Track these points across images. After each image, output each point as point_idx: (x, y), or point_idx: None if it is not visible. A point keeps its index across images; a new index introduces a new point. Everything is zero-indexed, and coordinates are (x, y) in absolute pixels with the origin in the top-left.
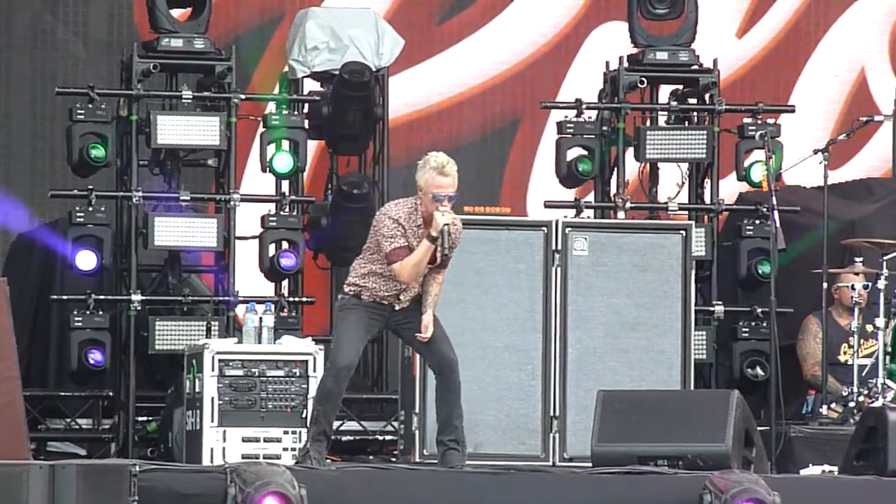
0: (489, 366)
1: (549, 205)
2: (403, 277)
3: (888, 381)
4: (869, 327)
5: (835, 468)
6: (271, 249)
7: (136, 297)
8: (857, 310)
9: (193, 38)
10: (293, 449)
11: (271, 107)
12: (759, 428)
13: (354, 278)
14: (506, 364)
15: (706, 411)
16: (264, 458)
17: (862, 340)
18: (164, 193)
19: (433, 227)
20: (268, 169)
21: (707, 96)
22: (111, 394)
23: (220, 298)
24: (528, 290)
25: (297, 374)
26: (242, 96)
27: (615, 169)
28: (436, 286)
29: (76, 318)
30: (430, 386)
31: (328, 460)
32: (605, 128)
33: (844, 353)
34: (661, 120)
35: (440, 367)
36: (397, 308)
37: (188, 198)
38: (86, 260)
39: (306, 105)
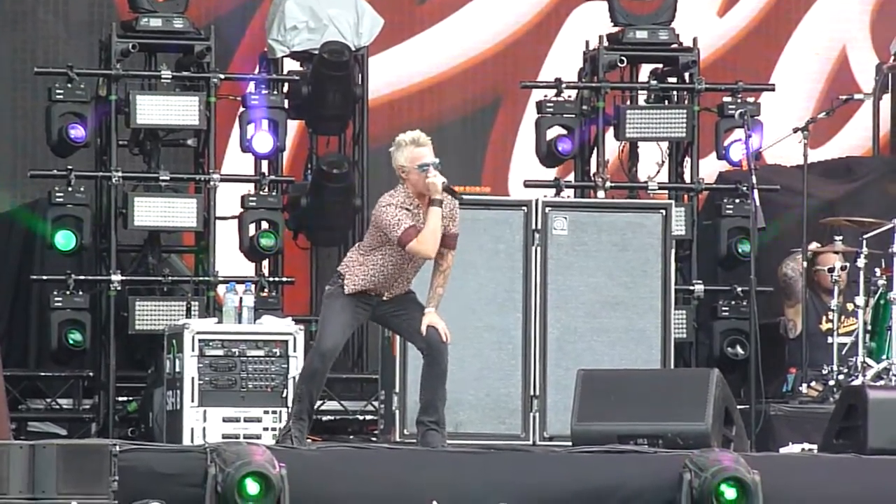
0: (469, 345)
1: (528, 184)
2: (424, 250)
3: (868, 360)
4: (849, 305)
5: (815, 446)
6: (251, 229)
7: (116, 278)
8: (836, 289)
9: (173, 17)
10: (273, 429)
11: (251, 86)
12: (738, 406)
13: (345, 269)
14: (486, 343)
15: (686, 390)
16: (245, 437)
17: (843, 318)
18: (143, 173)
19: (432, 191)
20: (247, 149)
21: (687, 75)
22: (91, 374)
23: (201, 278)
24: (508, 270)
25: (278, 353)
26: (222, 76)
27: (595, 148)
28: (442, 277)
29: (56, 299)
30: (411, 366)
31: (308, 440)
32: (584, 107)
33: (824, 323)
34: (641, 99)
35: (429, 351)
36: (385, 299)
37: (168, 178)
38: (65, 240)
39: (286, 85)
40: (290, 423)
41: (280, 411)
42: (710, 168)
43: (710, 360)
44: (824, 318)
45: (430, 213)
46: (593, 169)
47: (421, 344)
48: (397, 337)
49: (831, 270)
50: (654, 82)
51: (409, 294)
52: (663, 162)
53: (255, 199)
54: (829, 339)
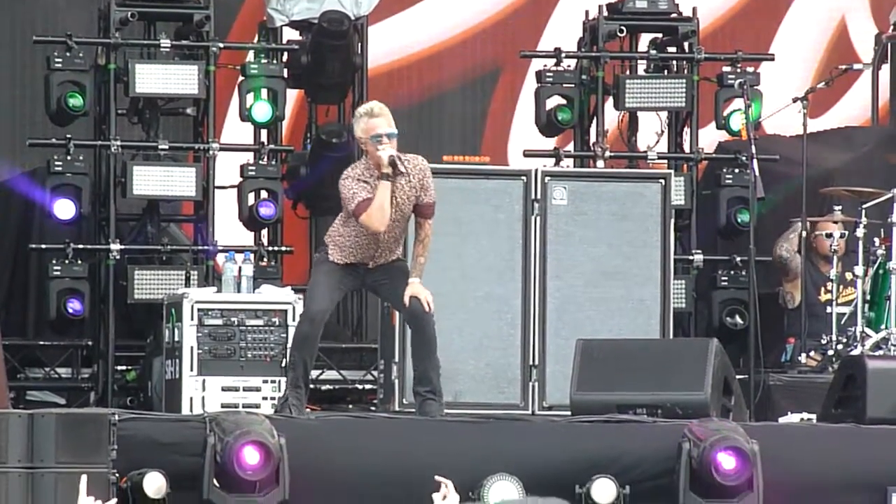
0: (468, 315)
1: (528, 154)
2: (373, 224)
3: (867, 329)
4: (848, 275)
5: (813, 416)
6: (250, 198)
7: (115, 247)
8: (835, 258)
9: None
10: (272, 398)
11: (250, 55)
12: (737, 376)
13: (328, 239)
14: (485, 313)
15: (685, 360)
16: (243, 407)
17: (841, 287)
18: (142, 142)
19: (380, 164)
20: (247, 118)
21: (686, 45)
22: (90, 343)
23: (200, 248)
24: (508, 240)
25: (277, 323)
26: (221, 45)
27: (594, 118)
28: (421, 246)
29: (55, 268)
30: (410, 336)
31: (307, 409)
32: (584, 77)
33: (823, 294)
34: (641, 69)
35: (413, 321)
36: (371, 266)
37: (167, 147)
38: (64, 209)
39: (285, 54)
40: (287, 392)
41: (279, 380)
42: (709, 138)
43: (709, 329)
44: (823, 289)
45: (378, 187)
46: (593, 139)
47: (405, 315)
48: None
49: (830, 237)
50: (653, 52)
51: (396, 263)
52: (663, 132)
53: (254, 168)
54: (829, 309)
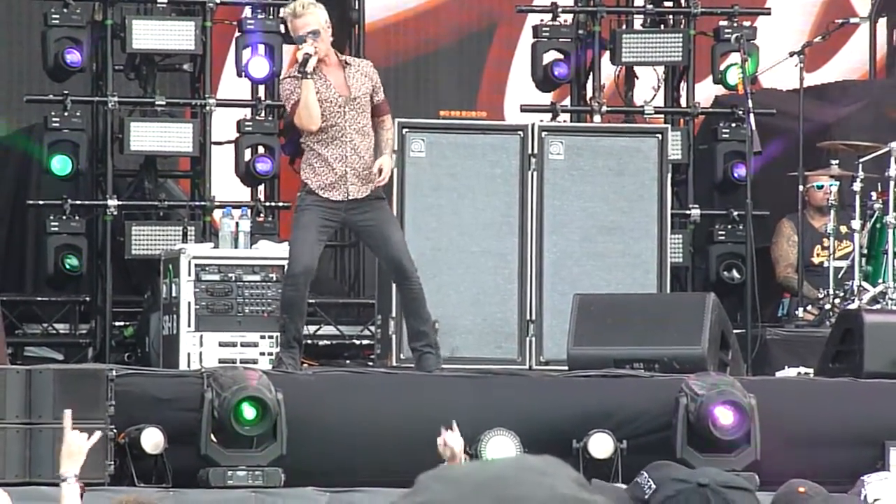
0: (466, 270)
1: (525, 109)
2: (304, 123)
3: (864, 283)
4: (843, 228)
5: (811, 370)
6: (247, 154)
7: (112, 203)
8: (832, 212)
9: None
10: (270, 353)
11: (247, 11)
12: (734, 330)
13: (302, 165)
14: (482, 268)
15: (682, 314)
16: (241, 362)
17: (837, 242)
18: (139, 98)
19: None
20: (243, 74)
21: None
22: (88, 299)
23: (197, 203)
24: (505, 195)
25: (274, 278)
26: (218, 0)
27: (591, 73)
28: (385, 132)
29: (52, 224)
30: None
31: (305, 365)
32: (580, 31)
33: (818, 255)
34: (637, 23)
35: (395, 276)
36: (351, 196)
37: (164, 103)
38: (61, 165)
39: (282, 9)
40: (280, 353)
41: (276, 336)
42: (706, 92)
43: (706, 284)
44: (818, 247)
45: (302, 87)
46: (589, 93)
47: (389, 271)
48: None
49: (821, 188)
50: (649, 6)
51: (377, 202)
52: (659, 86)
53: (250, 123)
54: (825, 264)
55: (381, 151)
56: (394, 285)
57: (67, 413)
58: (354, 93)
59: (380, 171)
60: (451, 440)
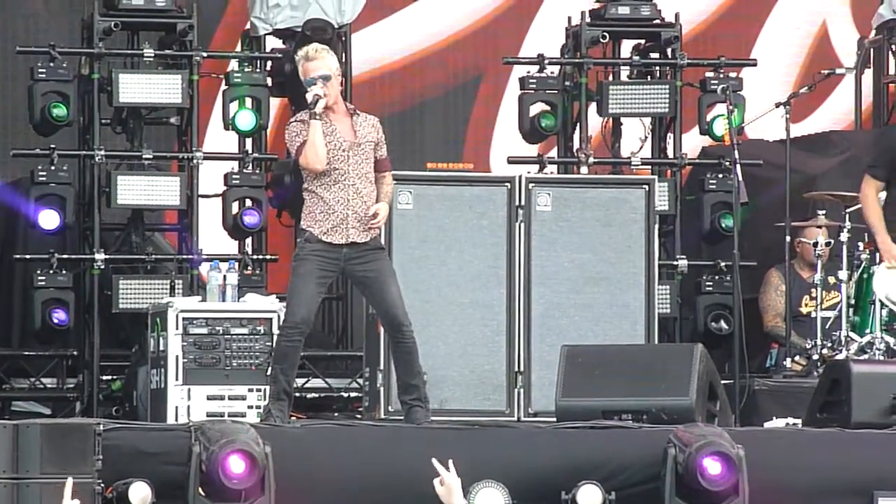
0: (454, 322)
1: (512, 160)
2: (310, 163)
3: (851, 334)
4: (831, 279)
5: (798, 421)
6: (235, 207)
7: (100, 256)
8: (819, 263)
9: None
10: (258, 407)
11: (233, 64)
12: (723, 381)
13: (304, 213)
14: (470, 320)
15: (670, 365)
16: (229, 416)
17: (824, 293)
18: (126, 152)
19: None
20: (230, 127)
21: (669, 51)
22: (75, 353)
23: (184, 257)
24: (492, 246)
25: (262, 331)
26: (204, 54)
27: (578, 124)
28: (385, 185)
29: (39, 278)
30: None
31: (293, 418)
32: (567, 83)
33: (806, 305)
34: (624, 75)
35: (389, 329)
36: (351, 240)
37: (151, 156)
38: (49, 219)
39: (269, 62)
40: (270, 404)
41: (264, 389)
42: (692, 143)
43: (694, 335)
44: (806, 297)
45: (310, 127)
46: (576, 145)
47: (383, 323)
48: None
49: (815, 245)
50: (636, 58)
51: (377, 252)
52: (646, 137)
53: (238, 176)
54: (812, 314)
55: (380, 199)
56: (385, 337)
57: (69, 482)
58: (360, 139)
59: (375, 214)
60: (449, 479)
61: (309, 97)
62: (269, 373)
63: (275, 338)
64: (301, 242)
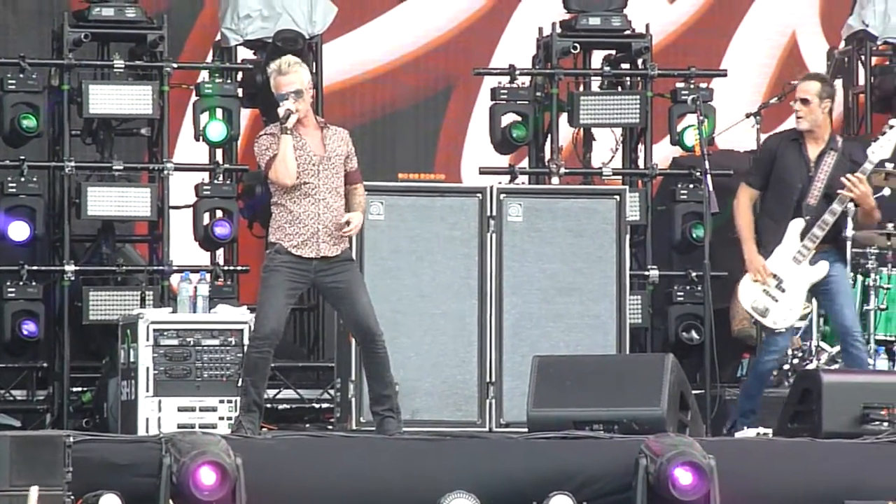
0: (425, 332)
1: (483, 171)
2: (279, 177)
3: (822, 344)
4: None
5: (769, 431)
6: (205, 218)
7: (70, 268)
8: None
9: (125, 6)
10: (229, 418)
11: (204, 75)
12: (694, 391)
13: (272, 226)
14: (442, 330)
15: (641, 375)
16: (200, 427)
17: None
18: (96, 163)
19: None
20: (201, 138)
21: (640, 61)
22: (45, 365)
23: (155, 268)
24: (464, 257)
25: (233, 342)
26: (175, 65)
27: (549, 135)
28: (357, 196)
29: (9, 289)
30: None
31: (264, 429)
32: (538, 93)
33: None
34: (595, 85)
35: (361, 339)
36: (322, 254)
37: (121, 167)
38: (18, 230)
39: (239, 73)
40: (241, 416)
41: (235, 400)
42: (663, 153)
43: (665, 345)
44: None
45: (280, 141)
46: (547, 155)
47: (355, 334)
48: None
49: None
50: (607, 68)
51: (347, 264)
52: (617, 148)
53: (209, 187)
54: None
55: (352, 209)
56: (356, 348)
57: (34, 490)
58: (329, 153)
59: (348, 223)
60: None
61: (280, 112)
62: (239, 384)
63: (246, 349)
64: (271, 254)
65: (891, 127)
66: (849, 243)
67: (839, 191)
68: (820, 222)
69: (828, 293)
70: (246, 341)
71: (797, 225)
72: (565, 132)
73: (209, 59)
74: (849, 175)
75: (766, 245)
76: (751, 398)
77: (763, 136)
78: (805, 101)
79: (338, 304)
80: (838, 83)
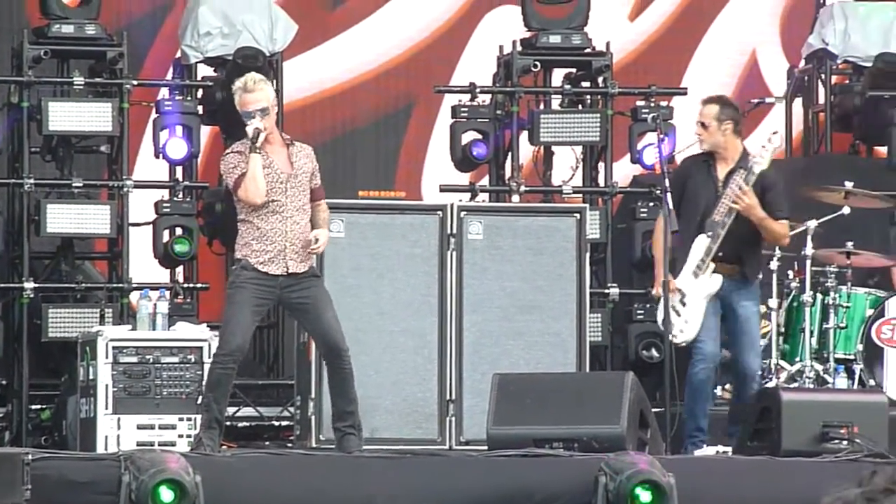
0: (385, 350)
1: (444, 189)
2: (249, 196)
3: (781, 362)
4: (762, 308)
5: (729, 449)
6: (165, 236)
7: (29, 285)
8: None
9: (84, 24)
10: (188, 436)
11: (164, 92)
12: (653, 409)
13: (238, 246)
14: (402, 348)
15: (601, 393)
16: (159, 445)
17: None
18: (56, 180)
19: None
20: (161, 155)
21: (600, 79)
22: (4, 382)
23: (114, 285)
24: (424, 275)
25: (192, 360)
26: (135, 82)
27: (509, 153)
28: (321, 212)
29: None
30: (327, 371)
31: (224, 447)
32: (499, 111)
33: None
34: (555, 103)
35: (327, 354)
36: (290, 271)
37: (81, 184)
38: None
39: (200, 90)
40: (201, 432)
41: (195, 418)
42: (623, 171)
43: (625, 363)
44: None
45: (250, 161)
46: (508, 173)
47: (321, 349)
48: (313, 342)
49: None
50: (567, 87)
51: (313, 280)
52: (577, 166)
53: (169, 205)
54: None
55: (318, 226)
56: (316, 366)
57: None
58: (296, 170)
59: (316, 239)
60: None
61: (249, 131)
62: (200, 401)
63: (205, 367)
64: (237, 270)
65: (770, 141)
66: (808, 262)
67: (724, 201)
68: (713, 234)
69: (733, 332)
70: (206, 359)
71: (701, 242)
72: (526, 150)
73: (169, 76)
74: (732, 186)
75: (678, 264)
76: (693, 416)
77: None
78: (703, 125)
79: (304, 319)
80: (798, 101)
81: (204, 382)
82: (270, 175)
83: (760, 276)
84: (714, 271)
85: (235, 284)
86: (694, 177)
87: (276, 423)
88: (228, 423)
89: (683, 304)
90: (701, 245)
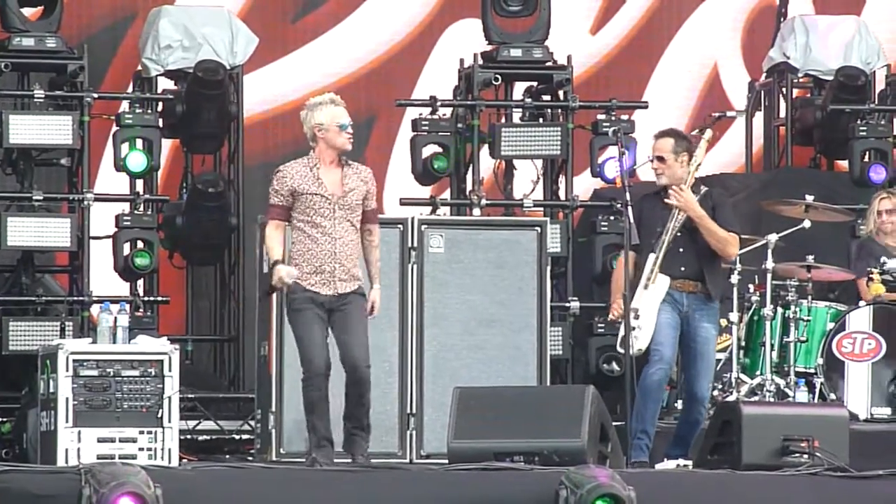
0: None
1: (404, 202)
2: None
3: (742, 376)
4: (722, 321)
5: (690, 462)
6: (126, 249)
7: None
8: None
9: (45, 36)
10: (149, 449)
11: (124, 106)
12: (614, 423)
13: (291, 249)
14: None
15: (562, 407)
16: (120, 458)
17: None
18: (16, 193)
19: (343, 148)
20: (122, 168)
21: (561, 93)
22: None
23: (75, 298)
24: (385, 288)
25: (153, 373)
26: (95, 95)
27: (470, 166)
28: (374, 250)
29: None
30: (287, 384)
31: (184, 460)
32: (460, 125)
33: None
34: (516, 117)
35: (346, 366)
36: (340, 292)
37: (41, 197)
38: None
39: (160, 103)
40: (313, 453)
41: (155, 431)
42: (584, 185)
43: (585, 376)
44: None
45: (270, 253)
46: (469, 187)
47: (341, 356)
48: (273, 355)
49: None
50: (528, 100)
51: (360, 297)
52: (538, 179)
53: (129, 218)
54: None
55: (372, 279)
56: (276, 380)
57: None
58: (346, 192)
59: (372, 306)
60: None
61: (275, 280)
62: (305, 426)
63: (166, 380)
64: (291, 295)
65: (701, 132)
66: (768, 275)
67: (665, 200)
68: (656, 241)
69: (689, 355)
70: (167, 372)
71: (651, 259)
72: (487, 163)
73: (130, 89)
74: (672, 185)
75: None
76: (641, 418)
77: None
78: (661, 159)
79: (333, 327)
80: (758, 115)
81: (303, 407)
82: (317, 198)
83: (721, 296)
84: (677, 289)
85: (293, 308)
86: (646, 211)
87: (237, 437)
88: (188, 437)
89: (637, 317)
90: (651, 262)
